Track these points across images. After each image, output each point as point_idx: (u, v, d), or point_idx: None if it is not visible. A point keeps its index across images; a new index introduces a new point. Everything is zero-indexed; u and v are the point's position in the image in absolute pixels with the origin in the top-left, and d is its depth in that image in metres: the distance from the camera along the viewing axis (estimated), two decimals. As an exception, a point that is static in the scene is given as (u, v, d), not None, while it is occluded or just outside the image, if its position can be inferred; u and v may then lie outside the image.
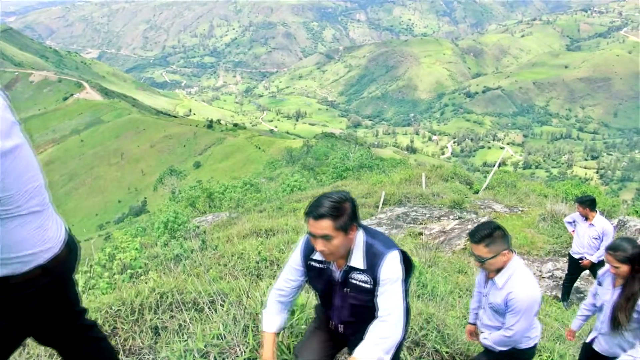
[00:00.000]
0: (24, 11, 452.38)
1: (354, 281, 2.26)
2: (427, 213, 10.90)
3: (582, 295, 6.61)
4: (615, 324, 2.91)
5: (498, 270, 2.75)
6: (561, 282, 6.54)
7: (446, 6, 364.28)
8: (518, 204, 12.00)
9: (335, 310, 2.40)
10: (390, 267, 2.20)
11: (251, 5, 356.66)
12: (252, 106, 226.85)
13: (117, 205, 74.85)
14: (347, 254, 2.26)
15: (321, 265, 2.35)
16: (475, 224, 9.99)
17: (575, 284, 6.40)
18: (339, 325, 2.42)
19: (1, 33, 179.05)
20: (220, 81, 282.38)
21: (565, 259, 6.92)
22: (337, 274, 2.31)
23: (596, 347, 3.16)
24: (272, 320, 2.49)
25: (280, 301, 2.49)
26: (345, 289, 2.30)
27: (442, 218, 10.45)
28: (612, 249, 2.93)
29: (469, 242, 2.78)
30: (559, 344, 4.22)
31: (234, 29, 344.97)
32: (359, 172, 19.63)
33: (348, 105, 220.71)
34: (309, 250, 2.38)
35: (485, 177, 20.30)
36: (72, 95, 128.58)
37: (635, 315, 2.82)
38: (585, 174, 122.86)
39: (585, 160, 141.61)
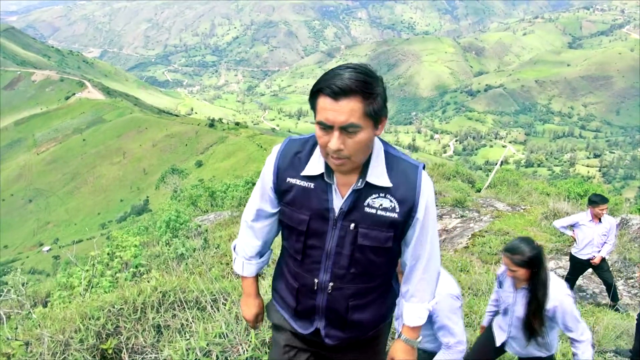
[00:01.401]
0: (25, 10, 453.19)
1: (369, 209, 1.51)
2: (429, 211, 10.87)
3: (584, 293, 6.60)
4: (531, 332, 2.72)
5: None
6: (563, 280, 6.52)
7: (448, 4, 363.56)
8: (520, 202, 11.98)
9: (327, 260, 1.60)
10: (431, 191, 1.56)
11: (252, 4, 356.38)
12: (254, 105, 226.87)
13: (119, 205, 74.98)
14: (359, 168, 1.52)
15: (309, 184, 1.56)
16: (477, 222, 10.00)
17: (577, 282, 6.39)
18: (329, 283, 1.62)
19: (3, 32, 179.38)
20: (221, 80, 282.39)
21: (567, 257, 6.89)
22: (339, 200, 1.53)
23: (509, 349, 2.98)
24: (252, 263, 1.86)
25: (253, 245, 1.83)
26: (351, 223, 1.53)
27: (444, 217, 10.44)
28: (509, 251, 2.67)
29: None
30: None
31: (235, 27, 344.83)
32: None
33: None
34: (286, 163, 1.61)
35: (488, 175, 20.27)
36: (74, 94, 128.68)
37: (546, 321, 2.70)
38: (588, 172, 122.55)
39: (588, 158, 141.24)
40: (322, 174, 1.52)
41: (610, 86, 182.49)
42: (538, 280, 2.63)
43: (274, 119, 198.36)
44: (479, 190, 14.59)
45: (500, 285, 2.94)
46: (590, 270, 6.12)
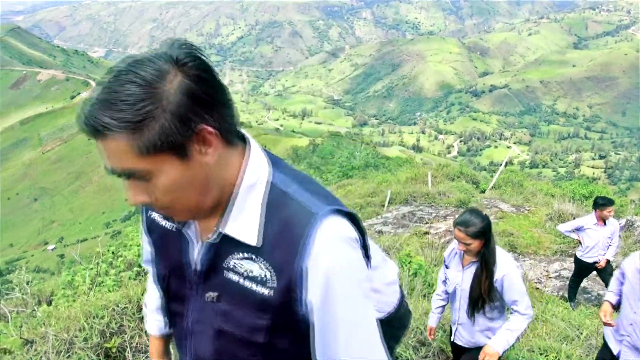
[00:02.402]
0: (31, 10, 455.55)
1: (232, 275, 0.92)
2: (433, 212, 10.87)
3: (589, 295, 6.57)
4: (478, 304, 2.64)
5: None
6: (568, 282, 6.50)
7: (452, 4, 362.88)
8: (525, 203, 11.94)
9: (188, 339, 1.04)
10: (343, 255, 0.87)
11: (257, 4, 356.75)
12: (258, 105, 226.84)
13: (123, 204, 75.12)
14: (222, 206, 0.93)
15: (172, 225, 1.04)
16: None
17: (581, 284, 6.37)
18: None
19: (9, 32, 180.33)
20: (226, 80, 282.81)
21: (572, 259, 6.85)
22: (195, 254, 0.99)
23: (458, 341, 2.88)
24: (153, 318, 1.37)
25: (152, 296, 1.35)
26: (211, 291, 0.96)
27: (448, 217, 10.42)
28: (463, 224, 2.58)
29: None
30: (566, 344, 4.20)
31: (240, 27, 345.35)
32: (365, 171, 19.62)
33: (354, 104, 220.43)
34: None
35: (492, 176, 20.20)
36: (79, 93, 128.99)
37: (495, 294, 2.64)
38: (593, 173, 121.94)
39: (593, 159, 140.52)
40: None
41: (615, 87, 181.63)
42: (489, 248, 2.63)
43: (278, 119, 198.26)
44: (483, 191, 14.55)
45: (448, 267, 2.90)
46: (594, 272, 6.10)
